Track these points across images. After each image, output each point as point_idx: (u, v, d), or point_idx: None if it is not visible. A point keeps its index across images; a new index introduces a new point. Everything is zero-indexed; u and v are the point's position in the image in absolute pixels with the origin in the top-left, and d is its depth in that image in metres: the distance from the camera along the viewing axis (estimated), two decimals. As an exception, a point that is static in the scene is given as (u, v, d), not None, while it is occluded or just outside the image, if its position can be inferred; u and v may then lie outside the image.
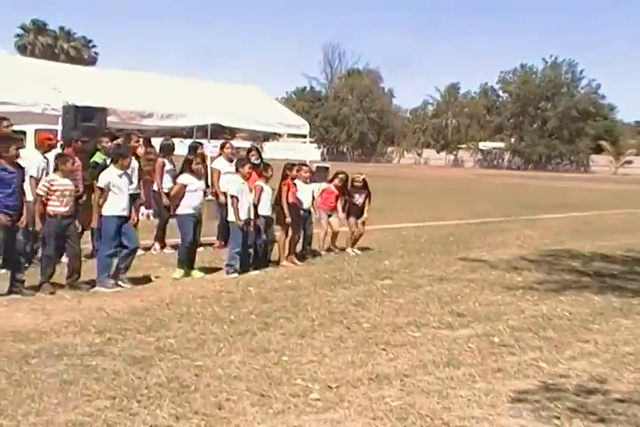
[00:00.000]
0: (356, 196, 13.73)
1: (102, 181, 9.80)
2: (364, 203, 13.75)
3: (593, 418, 5.46)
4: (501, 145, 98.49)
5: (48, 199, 9.33)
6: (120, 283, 9.85)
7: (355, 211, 13.73)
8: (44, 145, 11.00)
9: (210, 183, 13.94)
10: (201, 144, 14.15)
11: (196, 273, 10.86)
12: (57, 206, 9.36)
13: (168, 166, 13.00)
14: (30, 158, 10.37)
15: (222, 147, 13.94)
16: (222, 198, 13.04)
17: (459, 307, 9.15)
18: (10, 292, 8.96)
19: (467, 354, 7.08)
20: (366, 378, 6.19)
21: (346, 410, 5.44)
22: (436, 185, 43.89)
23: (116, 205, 9.76)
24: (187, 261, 10.77)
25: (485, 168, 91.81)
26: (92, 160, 11.67)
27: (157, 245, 12.88)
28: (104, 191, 9.74)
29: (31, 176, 10.08)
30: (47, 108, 15.02)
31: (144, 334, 7.33)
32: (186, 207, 10.74)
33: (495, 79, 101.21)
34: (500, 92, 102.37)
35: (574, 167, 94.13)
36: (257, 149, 14.13)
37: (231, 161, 13.21)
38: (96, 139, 12.28)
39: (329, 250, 13.58)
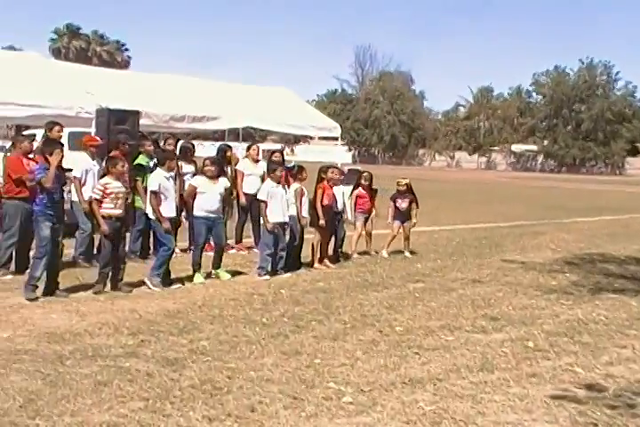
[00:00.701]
0: (399, 200, 13.69)
1: (154, 183, 9.93)
2: (408, 207, 13.70)
3: (631, 425, 5.38)
4: (534, 147, 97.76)
5: (102, 202, 9.45)
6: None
7: (398, 215, 13.69)
8: (89, 147, 11.13)
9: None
10: (230, 147, 14.15)
11: (223, 275, 10.86)
12: (111, 209, 9.48)
13: (186, 169, 12.99)
14: (77, 160, 10.53)
15: (248, 149, 13.96)
16: (243, 200, 13.09)
17: (492, 311, 9.07)
18: (47, 293, 9.03)
19: (501, 358, 7.00)
20: (399, 382, 6.15)
21: (379, 414, 5.41)
22: (468, 188, 43.67)
23: (165, 207, 9.92)
24: (198, 265, 10.71)
25: (518, 171, 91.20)
26: (135, 162, 11.76)
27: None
28: (157, 194, 9.85)
29: (74, 177, 10.21)
30: (81, 111, 15.14)
31: (177, 336, 7.35)
32: (197, 209, 10.70)
33: (528, 81, 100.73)
34: (534, 94, 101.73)
35: (609, 170, 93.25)
36: (281, 152, 14.17)
37: (256, 162, 13.30)
38: (139, 142, 12.41)
39: (364, 253, 13.54)
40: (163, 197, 9.95)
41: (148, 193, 10.09)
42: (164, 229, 9.87)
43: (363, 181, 13.47)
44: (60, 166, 9.22)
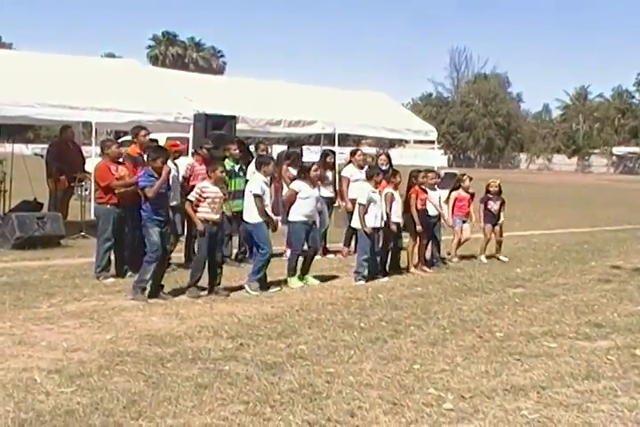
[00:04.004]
0: (491, 202, 13.46)
1: (257, 188, 9.97)
2: (499, 209, 13.47)
3: None
4: (637, 149, 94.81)
5: (198, 205, 9.52)
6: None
7: (490, 217, 13.46)
8: (170, 152, 11.31)
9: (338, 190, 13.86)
10: (332, 152, 14.10)
11: (311, 281, 10.74)
12: (207, 213, 9.51)
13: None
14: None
15: (353, 154, 13.81)
16: (349, 206, 13.01)
17: (596, 317, 8.79)
18: (150, 295, 9.21)
19: (607, 367, 6.77)
20: (501, 389, 6.01)
21: (480, 421, 5.29)
22: (568, 191, 42.70)
23: (260, 212, 10.01)
24: (294, 270, 10.67)
25: (620, 174, 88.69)
26: None
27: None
28: (262, 197, 9.95)
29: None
30: (179, 116, 15.48)
31: (275, 340, 7.37)
32: (297, 214, 10.58)
33: (629, 82, 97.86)
34: (637, 95, 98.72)
35: None
36: (387, 155, 14.07)
37: (361, 168, 13.16)
38: (225, 146, 12.52)
39: (461, 257, 13.37)
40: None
41: (247, 196, 10.10)
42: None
43: (467, 183, 13.27)
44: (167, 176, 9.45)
